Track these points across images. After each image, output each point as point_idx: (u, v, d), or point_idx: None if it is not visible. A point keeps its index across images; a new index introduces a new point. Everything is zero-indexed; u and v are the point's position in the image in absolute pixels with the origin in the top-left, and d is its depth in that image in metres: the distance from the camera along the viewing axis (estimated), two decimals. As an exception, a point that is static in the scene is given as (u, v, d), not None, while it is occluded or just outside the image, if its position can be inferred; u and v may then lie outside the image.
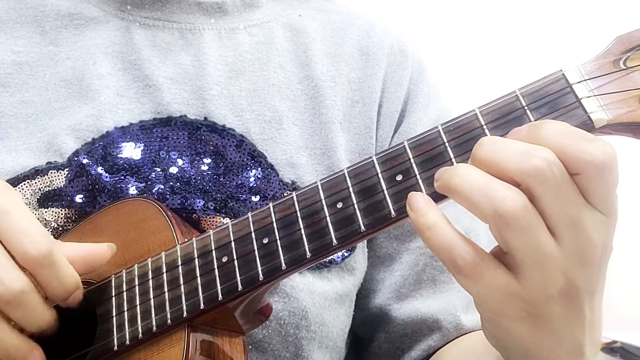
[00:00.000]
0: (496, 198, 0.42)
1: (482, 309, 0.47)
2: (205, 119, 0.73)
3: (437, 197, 0.48)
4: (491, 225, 0.43)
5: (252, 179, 0.71)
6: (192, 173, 0.70)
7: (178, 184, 0.69)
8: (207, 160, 0.71)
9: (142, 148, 0.70)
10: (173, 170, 0.70)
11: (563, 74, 0.47)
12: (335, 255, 0.72)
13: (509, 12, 1.69)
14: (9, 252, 0.54)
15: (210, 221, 0.68)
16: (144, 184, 0.68)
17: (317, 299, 0.70)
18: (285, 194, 0.70)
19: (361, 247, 0.75)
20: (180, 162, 0.71)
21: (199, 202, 0.68)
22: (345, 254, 0.73)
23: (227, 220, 0.68)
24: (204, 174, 0.70)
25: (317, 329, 0.70)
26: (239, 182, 0.71)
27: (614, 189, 0.44)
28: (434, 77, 0.85)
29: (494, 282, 0.43)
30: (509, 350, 0.49)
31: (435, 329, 0.73)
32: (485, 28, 1.68)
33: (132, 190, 0.68)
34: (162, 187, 0.68)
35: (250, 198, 0.70)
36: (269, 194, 0.71)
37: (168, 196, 0.68)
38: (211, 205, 0.68)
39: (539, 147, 0.42)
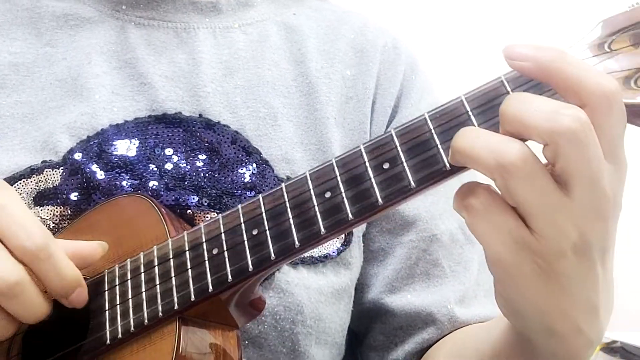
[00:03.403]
0: (498, 150, 0.42)
1: (493, 262, 0.46)
2: (200, 115, 0.73)
3: (427, 184, 0.48)
4: (497, 179, 0.43)
5: (247, 175, 0.71)
6: (187, 169, 0.70)
7: (173, 180, 0.69)
8: (202, 157, 0.71)
9: (137, 145, 0.71)
10: (168, 166, 0.70)
11: (547, 57, 0.47)
12: (331, 249, 0.72)
13: (502, 10, 1.69)
14: (6, 246, 0.54)
15: (204, 217, 0.68)
16: (138, 181, 0.69)
17: (313, 294, 0.70)
18: (278, 188, 0.71)
19: (357, 242, 0.75)
20: (175, 158, 0.71)
21: (193, 198, 0.68)
22: (341, 248, 0.73)
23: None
24: (199, 170, 0.71)
25: (313, 324, 0.70)
26: (234, 177, 0.71)
27: (622, 137, 0.43)
28: (427, 74, 0.85)
29: (503, 223, 0.43)
30: (523, 315, 0.48)
31: (429, 322, 0.73)
32: (479, 25, 1.68)
33: (127, 188, 0.68)
34: (157, 183, 0.69)
35: (245, 194, 0.70)
36: (264, 190, 0.71)
37: (162, 192, 0.68)
38: (205, 201, 0.69)
39: (568, 105, 0.42)
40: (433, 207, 0.77)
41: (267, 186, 0.71)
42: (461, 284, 0.76)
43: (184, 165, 0.71)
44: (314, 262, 0.71)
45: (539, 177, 0.42)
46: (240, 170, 0.71)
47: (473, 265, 0.77)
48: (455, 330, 0.73)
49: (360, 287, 0.77)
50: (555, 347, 0.49)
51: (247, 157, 0.72)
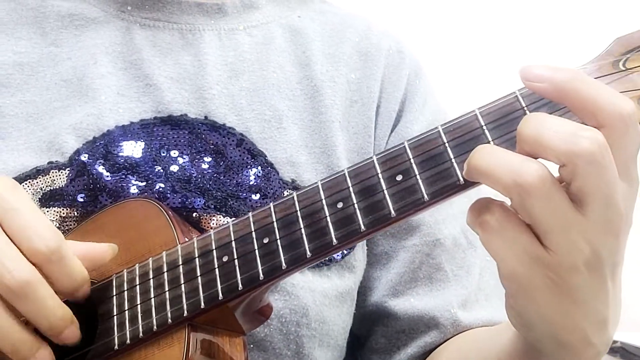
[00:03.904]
0: (516, 170, 0.42)
1: (507, 277, 0.47)
2: (206, 117, 0.73)
3: (440, 197, 0.48)
4: (513, 198, 0.43)
5: (252, 178, 0.71)
6: (192, 172, 0.70)
7: (179, 182, 0.69)
8: (208, 159, 0.71)
9: (143, 146, 0.71)
10: (174, 168, 0.70)
11: (563, 74, 0.47)
12: (335, 253, 0.72)
13: (507, 14, 1.70)
14: (18, 248, 0.53)
15: (210, 220, 0.68)
16: (144, 183, 0.69)
17: (318, 297, 0.70)
18: (285, 193, 0.71)
19: (361, 245, 0.76)
20: (181, 160, 0.71)
21: (200, 201, 0.69)
22: (345, 252, 0.73)
23: (227, 219, 0.68)
24: (205, 172, 0.71)
25: (318, 326, 0.70)
26: (239, 180, 0.71)
27: (636, 156, 0.44)
28: (431, 78, 0.86)
29: (518, 240, 0.44)
30: (534, 327, 0.49)
31: (432, 326, 0.74)
32: (483, 30, 1.68)
33: (133, 189, 0.68)
34: (163, 185, 0.69)
35: (251, 196, 0.71)
36: (269, 193, 0.71)
37: (169, 195, 0.68)
38: (211, 204, 0.69)
39: (586, 127, 0.42)
40: (437, 212, 0.78)
41: (272, 189, 0.71)
42: (464, 288, 0.76)
43: (190, 167, 0.71)
44: (319, 265, 0.71)
45: (556, 196, 0.42)
46: (245, 173, 0.72)
47: (475, 269, 0.78)
48: (458, 334, 0.74)
49: (363, 290, 0.78)
50: (564, 357, 0.50)
51: (252, 160, 0.72)
